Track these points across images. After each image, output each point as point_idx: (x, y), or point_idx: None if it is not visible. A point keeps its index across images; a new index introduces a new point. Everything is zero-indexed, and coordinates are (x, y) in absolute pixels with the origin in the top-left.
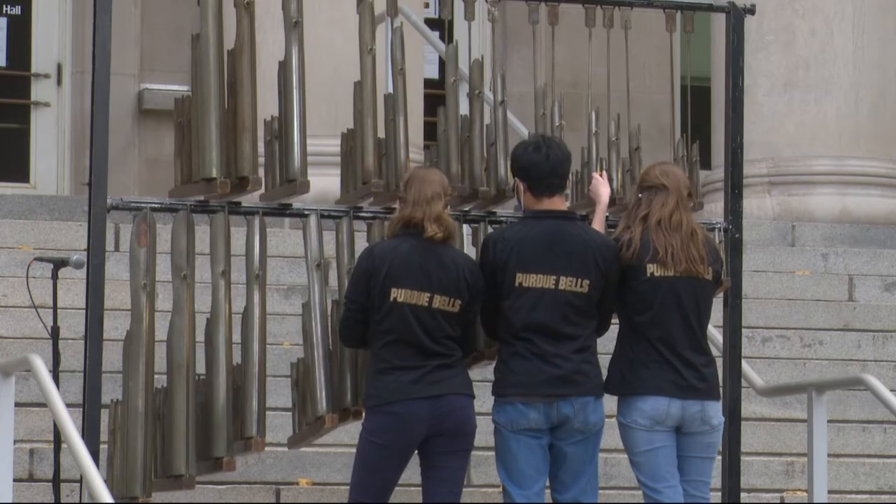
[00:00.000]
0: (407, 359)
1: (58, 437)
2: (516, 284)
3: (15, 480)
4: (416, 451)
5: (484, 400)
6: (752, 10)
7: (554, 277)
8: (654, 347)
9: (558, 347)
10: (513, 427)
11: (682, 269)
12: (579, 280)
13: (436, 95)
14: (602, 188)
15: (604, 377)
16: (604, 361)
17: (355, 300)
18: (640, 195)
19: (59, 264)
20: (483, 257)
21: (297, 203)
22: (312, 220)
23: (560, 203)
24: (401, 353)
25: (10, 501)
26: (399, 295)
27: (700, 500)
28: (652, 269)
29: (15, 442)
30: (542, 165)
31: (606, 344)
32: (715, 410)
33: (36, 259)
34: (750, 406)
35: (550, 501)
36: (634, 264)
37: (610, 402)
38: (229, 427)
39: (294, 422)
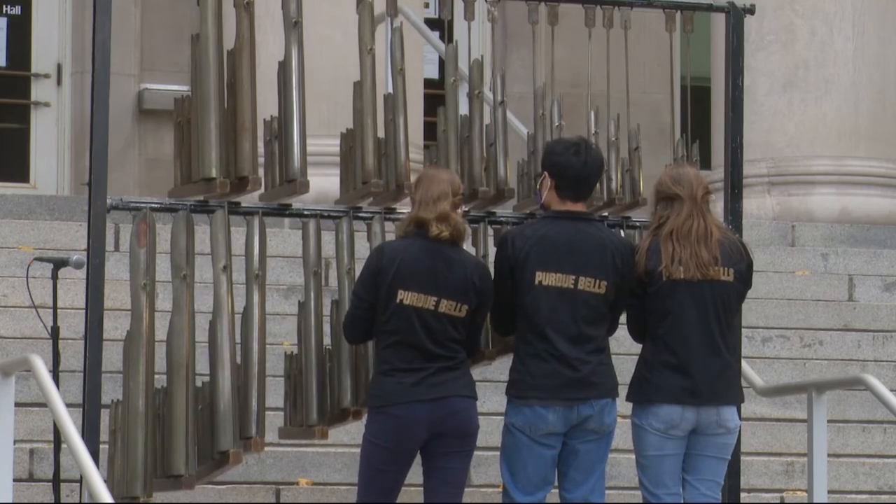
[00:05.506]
0: (409, 361)
1: (58, 437)
2: (536, 283)
3: (15, 480)
4: (419, 452)
5: (484, 400)
6: (751, 10)
7: (573, 277)
8: (673, 353)
9: (576, 349)
10: (531, 431)
11: (692, 274)
12: (597, 281)
13: (436, 95)
14: None
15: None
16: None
17: (363, 297)
18: (657, 206)
19: (59, 264)
20: (501, 253)
21: (296, 203)
22: (311, 225)
23: (581, 208)
24: (403, 355)
25: (10, 501)
26: (406, 297)
27: (711, 500)
28: (666, 273)
29: (15, 442)
30: (578, 170)
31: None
32: (731, 414)
33: (36, 259)
34: (750, 406)
35: (558, 500)
36: (649, 269)
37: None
38: (235, 419)
39: (286, 413)
